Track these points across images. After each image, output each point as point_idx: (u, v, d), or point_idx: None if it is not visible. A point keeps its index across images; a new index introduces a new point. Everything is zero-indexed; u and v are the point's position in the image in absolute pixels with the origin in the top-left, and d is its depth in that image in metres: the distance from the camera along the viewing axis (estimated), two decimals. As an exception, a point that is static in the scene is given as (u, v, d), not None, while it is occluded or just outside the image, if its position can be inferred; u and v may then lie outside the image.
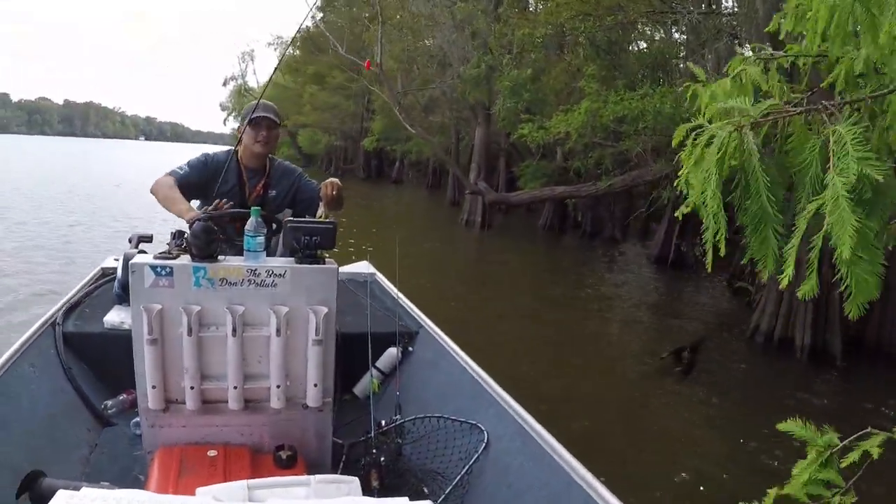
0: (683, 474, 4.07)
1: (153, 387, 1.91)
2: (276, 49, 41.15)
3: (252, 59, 58.05)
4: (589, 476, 1.77)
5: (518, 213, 20.53)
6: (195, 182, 2.43)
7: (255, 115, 2.43)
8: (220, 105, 53.03)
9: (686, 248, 12.91)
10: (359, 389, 2.91)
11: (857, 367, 6.74)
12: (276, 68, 13.05)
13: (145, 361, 1.89)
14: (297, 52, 38.53)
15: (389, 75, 18.29)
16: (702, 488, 3.95)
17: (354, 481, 1.74)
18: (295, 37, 33.65)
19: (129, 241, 3.13)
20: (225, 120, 56.06)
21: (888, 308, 7.01)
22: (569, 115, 8.50)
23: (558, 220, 18.39)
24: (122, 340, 1.99)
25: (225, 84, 48.58)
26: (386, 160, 39.60)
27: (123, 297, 2.74)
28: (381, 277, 3.85)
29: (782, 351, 7.05)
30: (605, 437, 4.54)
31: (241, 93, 46.31)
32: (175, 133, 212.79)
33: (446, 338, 2.90)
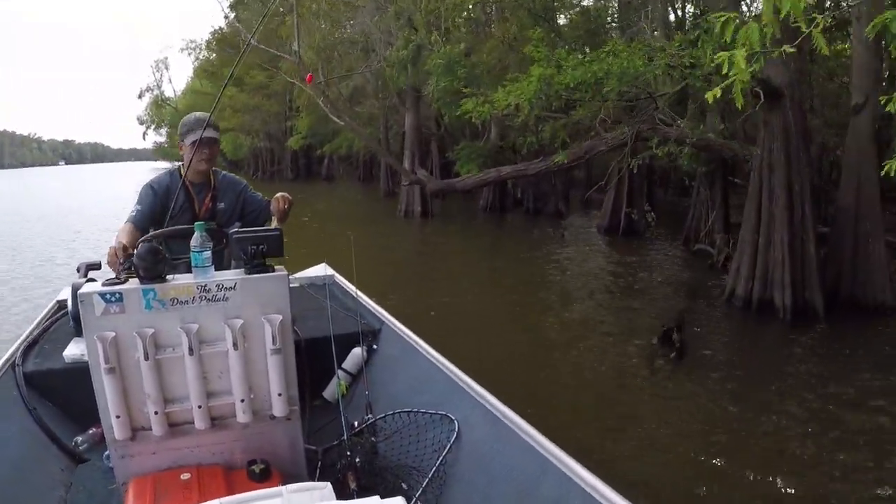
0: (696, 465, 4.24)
1: (117, 416, 2.04)
2: (189, 54, 42.16)
3: (167, 68, 57.67)
4: (564, 456, 1.95)
5: (456, 198, 21.08)
6: (150, 215, 2.60)
7: (196, 138, 2.59)
8: (138, 119, 53.23)
9: (637, 216, 13.73)
10: (328, 393, 3.11)
11: (842, 323, 7.18)
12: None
13: (106, 392, 2.01)
14: (213, 55, 39.58)
15: (311, 67, 18.25)
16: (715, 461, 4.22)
17: (327, 486, 1.89)
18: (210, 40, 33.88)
19: (78, 270, 3.21)
20: (144, 134, 56.66)
21: (861, 262, 7.57)
22: (517, 85, 8.41)
23: (499, 200, 19.30)
24: (84, 373, 2.10)
25: (141, 96, 49.04)
26: (314, 158, 40.66)
27: (79, 329, 2.83)
28: (340, 279, 4.07)
29: (763, 313, 7.49)
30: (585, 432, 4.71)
31: (158, 103, 47.31)
32: (96, 154, 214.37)
33: (410, 332, 3.10)
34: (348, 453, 2.33)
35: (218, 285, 2.05)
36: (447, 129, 22.14)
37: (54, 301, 3.67)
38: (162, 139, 65.84)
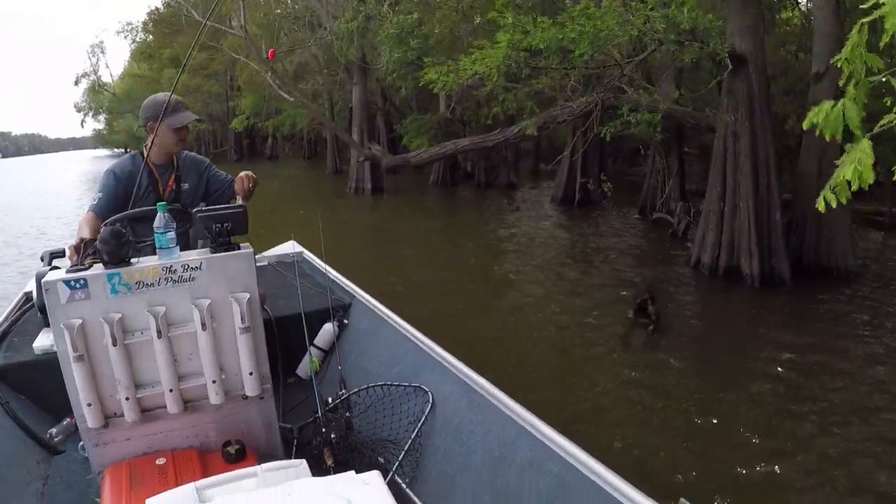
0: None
1: (89, 405, 2.08)
2: (126, 37, 41.72)
3: (103, 52, 56.71)
4: (537, 422, 2.05)
5: (406, 173, 21.44)
6: (113, 201, 2.62)
7: (182, 124, 2.70)
8: (75, 106, 51.85)
9: (593, 186, 13.99)
10: (301, 371, 3.18)
11: (808, 290, 7.51)
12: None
13: (76, 380, 2.05)
14: (150, 37, 39.72)
15: (256, 44, 18.08)
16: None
17: (302, 463, 1.96)
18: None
19: (42, 258, 3.21)
20: (83, 122, 55.89)
21: (823, 228, 7.88)
22: (483, 52, 8.35)
23: (450, 174, 19.70)
24: (55, 364, 2.13)
25: (77, 83, 47.60)
26: (258, 137, 41.77)
27: (47, 319, 2.84)
28: (309, 255, 4.14)
29: (731, 281, 7.77)
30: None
31: (96, 89, 46.58)
32: (33, 145, 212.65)
33: (380, 306, 3.18)
34: (323, 430, 2.40)
35: (184, 266, 2.09)
36: (393, 104, 22.29)
37: (21, 293, 3.67)
38: (101, 126, 64.91)
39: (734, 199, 7.85)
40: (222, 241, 2.15)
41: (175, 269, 2.08)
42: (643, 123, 7.93)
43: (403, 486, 2.26)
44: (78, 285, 2.01)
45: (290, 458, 2.36)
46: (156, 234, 2.10)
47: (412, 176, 21.18)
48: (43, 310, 2.40)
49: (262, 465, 1.94)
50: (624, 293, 7.44)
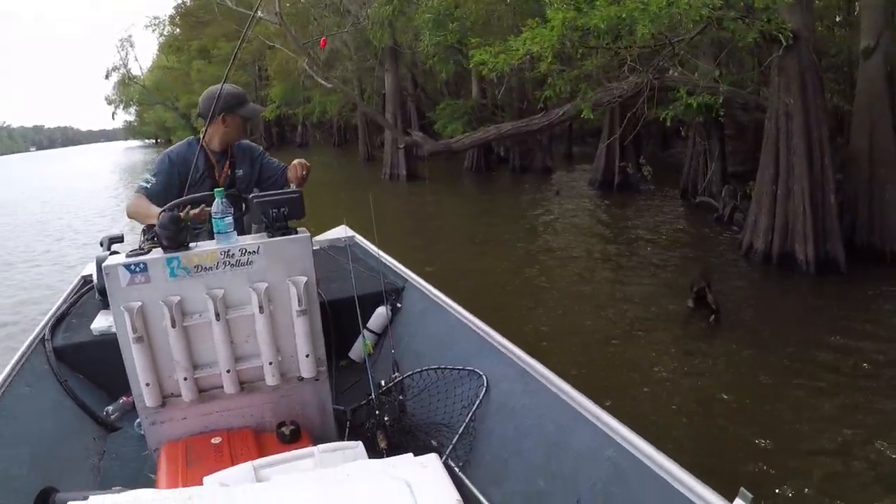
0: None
1: (147, 384, 2.19)
2: (154, 30, 42.92)
3: (132, 46, 58.85)
4: (595, 408, 2.05)
5: (440, 159, 21.46)
6: (165, 185, 2.71)
7: (251, 114, 2.87)
8: (106, 98, 54.68)
9: (633, 170, 13.94)
10: (354, 353, 3.28)
11: (863, 272, 7.34)
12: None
13: (135, 360, 2.16)
14: (177, 30, 41.07)
15: (281, 33, 18.31)
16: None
17: (358, 445, 2.04)
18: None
19: (101, 244, 3.45)
20: (113, 114, 58.66)
21: (876, 209, 7.72)
22: (535, 32, 7.96)
23: (484, 159, 19.73)
24: (112, 345, 2.24)
25: (108, 76, 49.42)
26: (287, 126, 43.03)
27: (105, 302, 3.01)
28: (360, 239, 4.25)
29: (784, 267, 7.61)
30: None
31: (126, 82, 48.50)
32: (66, 137, 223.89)
33: (434, 289, 3.25)
34: (377, 412, 2.48)
35: (241, 250, 2.17)
36: (424, 90, 22.33)
37: (79, 276, 3.87)
38: (131, 118, 67.06)
39: (788, 181, 7.68)
40: (279, 226, 2.22)
41: (233, 254, 2.17)
42: (700, 105, 7.73)
43: (456, 469, 2.32)
44: (138, 269, 2.11)
45: (343, 440, 2.45)
46: (213, 219, 2.19)
47: (445, 162, 20.96)
48: (103, 292, 2.53)
49: (319, 445, 2.02)
50: (678, 280, 7.33)
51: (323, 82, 15.33)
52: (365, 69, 22.57)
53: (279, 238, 2.22)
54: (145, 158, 52.53)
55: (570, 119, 11.54)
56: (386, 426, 2.43)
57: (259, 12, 17.87)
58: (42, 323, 3.17)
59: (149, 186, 2.69)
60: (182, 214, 2.30)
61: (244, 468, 1.92)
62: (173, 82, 44.66)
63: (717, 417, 4.55)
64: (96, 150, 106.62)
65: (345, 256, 3.74)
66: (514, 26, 12.49)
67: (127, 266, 2.10)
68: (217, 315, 2.17)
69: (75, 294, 3.62)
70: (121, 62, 50.09)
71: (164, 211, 2.24)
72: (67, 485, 2.16)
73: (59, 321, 3.24)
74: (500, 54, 8.40)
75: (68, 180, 33.75)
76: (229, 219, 2.20)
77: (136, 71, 50.36)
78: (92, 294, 3.51)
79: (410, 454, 1.77)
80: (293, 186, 2.70)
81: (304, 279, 2.23)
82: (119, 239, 3.46)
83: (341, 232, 4.47)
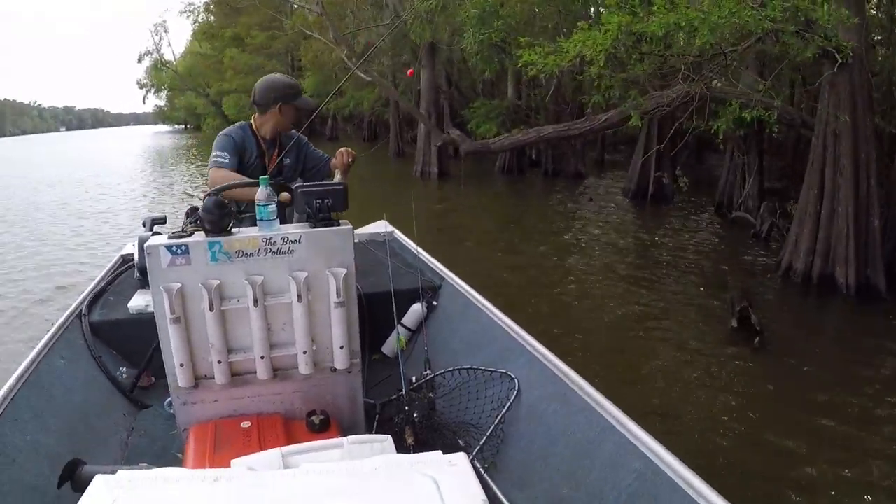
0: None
1: (181, 365, 2.25)
2: (188, 17, 44.26)
3: (166, 31, 60.53)
4: (623, 417, 2.09)
5: (471, 159, 21.44)
6: (236, 162, 2.90)
7: (310, 107, 3.10)
8: (138, 83, 56.56)
9: (668, 180, 13.73)
10: (387, 348, 3.36)
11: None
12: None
13: (171, 341, 2.22)
14: (212, 17, 42.30)
15: (319, 25, 18.45)
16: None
17: (388, 439, 2.07)
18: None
19: (143, 224, 3.59)
20: (144, 98, 59.78)
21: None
22: (588, 33, 7.71)
23: (516, 160, 19.73)
24: (147, 324, 2.32)
25: (140, 60, 51.50)
26: (317, 118, 42.21)
27: (144, 282, 3.16)
28: (399, 235, 4.38)
29: (824, 290, 7.48)
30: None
31: (158, 67, 50.44)
32: (96, 119, 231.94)
33: (470, 289, 3.31)
34: (406, 408, 2.53)
35: (283, 238, 2.22)
36: (458, 88, 22.37)
37: (118, 255, 4.04)
38: (162, 102, 68.80)
39: (832, 202, 7.60)
40: (322, 217, 2.27)
41: (275, 241, 2.22)
42: (752, 119, 7.60)
43: (482, 470, 2.35)
44: (179, 251, 2.16)
45: (370, 432, 2.50)
46: (258, 206, 2.24)
47: (476, 162, 21.09)
48: (143, 272, 2.62)
49: (349, 437, 2.05)
50: (717, 298, 7.23)
51: (363, 76, 15.46)
52: (400, 65, 22.69)
53: (321, 229, 2.27)
54: (175, 143, 53.51)
55: (612, 125, 11.41)
56: (414, 422, 2.48)
57: (294, 6, 18.21)
58: (79, 298, 3.30)
59: (226, 161, 2.84)
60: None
61: (272, 454, 1.95)
62: (205, 69, 45.84)
63: (766, 443, 4.45)
64: (127, 132, 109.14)
65: (383, 251, 3.85)
66: (558, 28, 12.55)
67: (168, 247, 2.15)
68: (255, 301, 2.22)
69: (113, 272, 3.77)
70: (154, 46, 51.38)
71: (208, 195, 2.30)
72: (95, 458, 2.24)
73: (96, 298, 3.38)
74: (550, 55, 8.22)
75: (109, 160, 34.79)
76: (273, 207, 2.26)
77: (168, 56, 52.35)
78: (130, 273, 3.64)
79: (439, 452, 1.78)
80: (337, 174, 2.80)
81: (344, 271, 2.27)
82: (162, 220, 3.60)
83: (381, 226, 4.60)
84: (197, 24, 45.56)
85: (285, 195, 2.54)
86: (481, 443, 2.41)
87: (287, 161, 3.07)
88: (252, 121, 3.06)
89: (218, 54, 41.45)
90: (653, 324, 6.87)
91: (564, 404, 2.33)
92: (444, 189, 17.52)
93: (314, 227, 2.28)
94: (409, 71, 11.95)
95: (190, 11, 44.01)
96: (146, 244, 2.19)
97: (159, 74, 53.41)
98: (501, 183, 18.81)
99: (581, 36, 7.80)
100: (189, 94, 57.47)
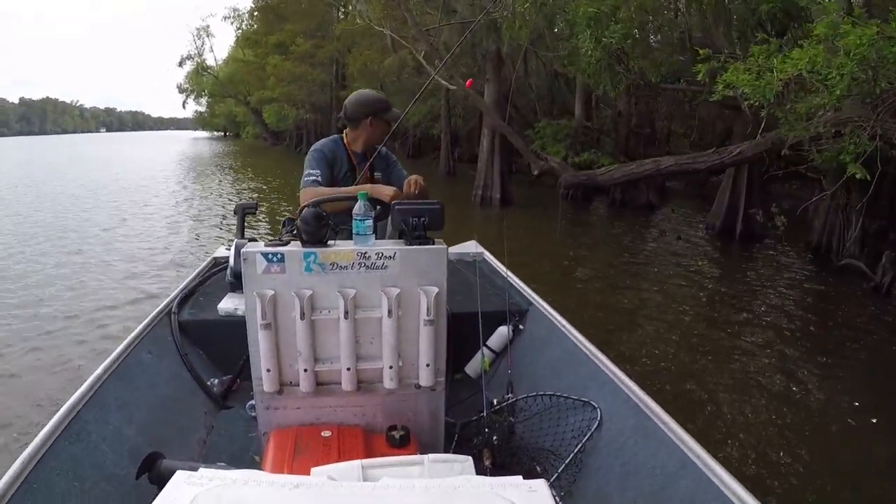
0: None
1: (268, 370, 2.48)
2: (232, 22, 47.49)
3: (208, 36, 62.98)
4: (703, 453, 2.21)
5: (529, 183, 20.68)
6: (328, 174, 3.21)
7: (396, 119, 3.37)
8: (178, 87, 58.44)
9: (762, 218, 12.53)
10: (470, 369, 3.59)
11: None
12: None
13: (259, 346, 2.45)
14: (255, 24, 44.74)
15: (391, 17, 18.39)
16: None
17: (468, 460, 2.23)
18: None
19: (234, 212, 3.99)
20: (184, 103, 63.08)
21: None
22: (807, 50, 6.49)
23: (581, 188, 18.73)
24: (235, 327, 2.57)
25: (181, 64, 53.50)
26: None
27: (236, 285, 3.48)
28: (489, 256, 4.64)
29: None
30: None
31: (199, 72, 52.48)
32: (136, 122, 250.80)
33: (557, 315, 3.50)
34: (486, 430, 2.72)
35: (378, 254, 2.43)
36: (515, 105, 22.31)
37: (210, 258, 4.43)
38: (202, 108, 71.24)
39: None
40: (417, 235, 2.48)
41: (369, 256, 2.43)
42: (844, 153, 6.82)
43: (557, 498, 2.53)
44: (275, 259, 2.39)
45: (448, 452, 2.70)
46: (354, 221, 2.46)
47: (538, 187, 20.54)
48: (237, 276, 2.91)
49: (429, 455, 2.21)
50: (848, 376, 6.28)
51: (447, 85, 15.47)
52: (463, 76, 22.74)
53: (416, 247, 2.46)
54: (211, 150, 55.01)
55: (745, 160, 10.76)
56: (493, 445, 2.66)
57: (357, 3, 18.41)
58: (170, 296, 3.63)
59: (319, 179, 3.14)
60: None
61: (352, 465, 2.12)
62: (247, 76, 47.12)
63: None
64: (166, 136, 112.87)
65: (472, 271, 4.09)
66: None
67: (265, 255, 2.38)
68: (346, 313, 2.42)
69: (204, 274, 4.12)
70: (196, 51, 53.27)
71: (307, 206, 2.57)
72: (173, 453, 2.47)
73: (186, 297, 3.72)
74: (759, 78, 6.94)
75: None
76: (369, 222, 2.47)
77: (210, 62, 53.93)
78: (221, 276, 3.97)
79: (520, 476, 1.86)
80: None
81: (436, 290, 2.46)
82: (252, 208, 3.97)
83: (471, 247, 4.88)
84: (241, 30, 47.46)
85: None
86: (559, 470, 2.56)
87: (378, 175, 3.38)
88: (343, 135, 3.37)
89: (260, 61, 42.74)
90: (785, 400, 5.84)
91: (645, 437, 2.47)
92: (509, 218, 15.90)
93: (409, 245, 2.48)
94: (468, 82, 11.92)
95: (234, 17, 45.90)
96: (243, 250, 2.43)
97: (200, 80, 55.25)
98: (569, 212, 17.56)
99: (804, 53, 6.62)
100: (229, 101, 59.30)
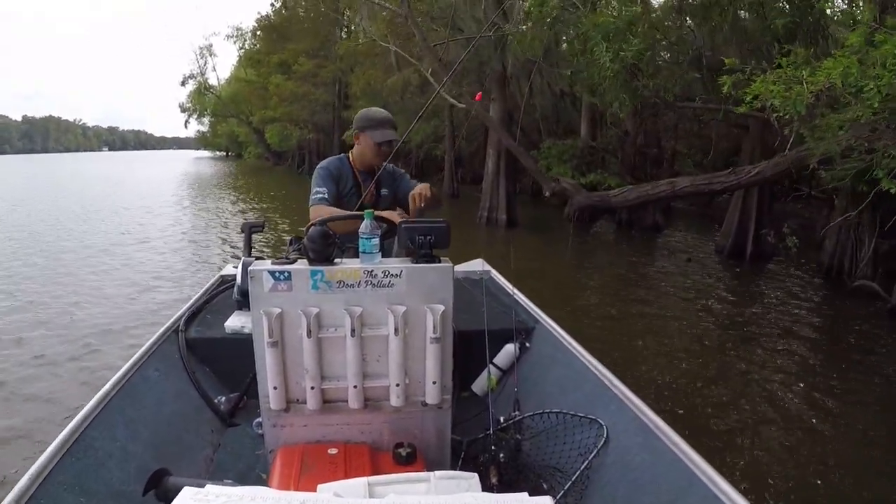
0: None
1: (275, 388, 2.52)
2: (234, 42, 48.34)
3: (211, 55, 63.95)
4: (710, 471, 2.23)
5: (536, 204, 20.83)
6: (334, 190, 3.29)
7: (384, 140, 3.36)
8: (180, 106, 58.85)
9: (774, 239, 12.70)
10: (477, 386, 3.64)
11: None
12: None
13: (266, 363, 2.49)
14: (258, 44, 45.44)
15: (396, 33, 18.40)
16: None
17: (474, 477, 2.26)
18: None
19: (241, 230, 4.05)
20: (186, 122, 63.93)
21: None
22: (839, 60, 6.22)
23: (590, 208, 18.93)
24: (242, 344, 2.62)
25: (184, 83, 54.19)
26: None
27: (243, 303, 3.55)
28: (496, 274, 4.72)
29: None
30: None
31: (202, 91, 52.94)
32: (139, 141, 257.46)
33: (564, 333, 3.56)
34: (493, 447, 2.75)
35: (384, 272, 2.47)
36: (520, 125, 22.42)
37: (217, 275, 4.50)
38: (204, 128, 71.98)
39: None
40: (424, 253, 2.53)
41: (376, 274, 2.48)
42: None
43: None
44: (282, 277, 2.44)
45: (455, 469, 2.73)
46: (361, 239, 2.51)
47: (543, 208, 20.66)
48: (244, 294, 2.97)
49: (436, 472, 2.25)
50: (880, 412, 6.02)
51: (455, 103, 15.56)
52: (460, 95, 22.91)
53: (423, 265, 2.51)
54: (212, 170, 55.30)
55: (764, 180, 10.54)
56: (500, 462, 2.69)
57: (360, 21, 18.59)
58: (177, 314, 3.69)
59: (327, 197, 3.22)
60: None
61: (358, 482, 2.16)
62: (249, 96, 47.72)
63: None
64: (169, 155, 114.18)
65: (478, 289, 4.16)
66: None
67: (272, 273, 2.43)
68: (353, 331, 2.47)
69: (212, 291, 4.18)
70: (198, 70, 53.83)
71: (313, 225, 2.63)
72: (180, 470, 2.51)
73: (194, 315, 3.77)
74: (791, 87, 6.62)
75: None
76: (376, 240, 2.52)
77: (213, 81, 54.51)
78: (228, 293, 4.05)
79: (525, 494, 1.93)
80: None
81: (442, 308, 2.51)
82: (259, 226, 4.05)
83: (478, 265, 4.98)
84: (243, 49, 48.03)
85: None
86: (566, 487, 2.59)
87: (384, 192, 3.46)
88: (350, 153, 3.47)
89: (263, 81, 43.23)
90: (819, 442, 5.51)
91: (653, 454, 2.50)
92: (517, 240, 16.40)
93: (415, 263, 2.53)
94: (477, 95, 11.76)
95: (237, 37, 46.44)
96: (250, 268, 2.47)
97: (202, 99, 55.71)
98: (580, 234, 17.43)
99: (831, 63, 6.43)
100: (231, 121, 59.80)
